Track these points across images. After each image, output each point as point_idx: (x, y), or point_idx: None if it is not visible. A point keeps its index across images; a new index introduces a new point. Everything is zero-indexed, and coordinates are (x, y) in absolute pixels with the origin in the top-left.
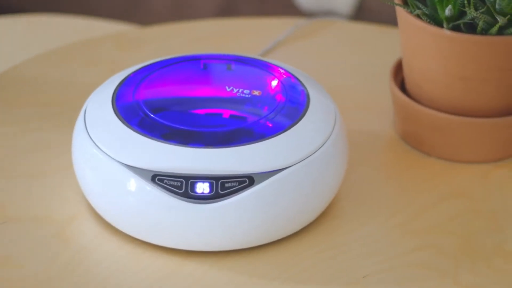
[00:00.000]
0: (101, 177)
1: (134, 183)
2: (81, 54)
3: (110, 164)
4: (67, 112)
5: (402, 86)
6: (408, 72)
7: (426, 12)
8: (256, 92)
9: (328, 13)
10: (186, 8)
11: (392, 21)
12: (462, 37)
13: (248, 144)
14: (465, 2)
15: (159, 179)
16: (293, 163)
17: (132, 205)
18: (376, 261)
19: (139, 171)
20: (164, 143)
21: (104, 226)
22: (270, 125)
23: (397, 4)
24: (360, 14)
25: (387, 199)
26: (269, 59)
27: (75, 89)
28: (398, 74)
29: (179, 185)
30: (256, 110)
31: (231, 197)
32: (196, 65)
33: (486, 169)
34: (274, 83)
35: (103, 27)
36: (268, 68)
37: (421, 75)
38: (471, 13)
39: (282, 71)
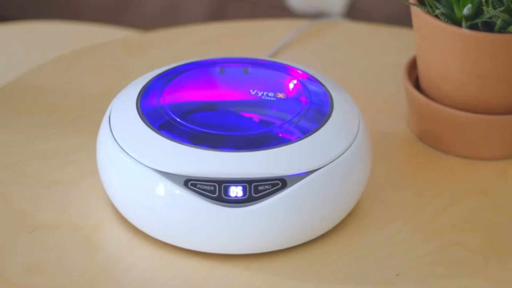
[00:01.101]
0: (132, 184)
1: (167, 188)
2: (88, 60)
3: (141, 171)
4: (79, 118)
5: (415, 84)
6: (424, 71)
7: (444, 11)
8: (280, 95)
9: (320, 14)
10: (177, 12)
11: (383, 20)
12: (482, 36)
13: (279, 146)
14: (483, 0)
15: (192, 183)
16: (324, 164)
17: (165, 211)
18: (406, 260)
19: (171, 177)
20: (195, 147)
21: (133, 232)
22: (299, 127)
23: (413, 4)
24: (351, 14)
25: (409, 198)
26: (285, 61)
27: (85, 95)
28: (411, 73)
29: (213, 189)
30: (283, 113)
31: (265, 200)
32: (217, 69)
33: (505, 165)
34: (297, 85)
35: (101, 32)
36: (287, 70)
37: (438, 73)
38: (489, 11)
39: (300, 72)
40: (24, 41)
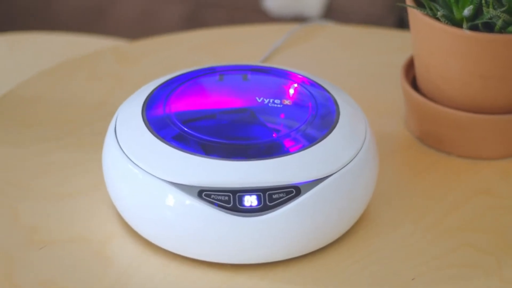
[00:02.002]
0: (143, 197)
1: (181, 200)
2: (81, 70)
3: (152, 183)
4: (79, 129)
5: (412, 85)
6: (423, 72)
7: (444, 13)
8: (286, 102)
9: (297, 16)
10: (152, 17)
11: (361, 21)
12: (482, 37)
13: (291, 154)
14: (483, 1)
15: (206, 194)
16: (337, 170)
17: (179, 223)
18: (420, 263)
19: (185, 188)
20: (207, 157)
21: (144, 244)
22: (309, 133)
23: (412, 6)
24: (329, 15)
25: (415, 200)
26: (284, 66)
27: (82, 106)
28: (407, 74)
29: (227, 199)
30: (291, 119)
31: (279, 208)
32: (221, 77)
33: (507, 164)
34: (301, 90)
35: (82, 41)
36: (289, 76)
37: (439, 74)
38: (489, 12)
39: (301, 77)
40: (9, 54)
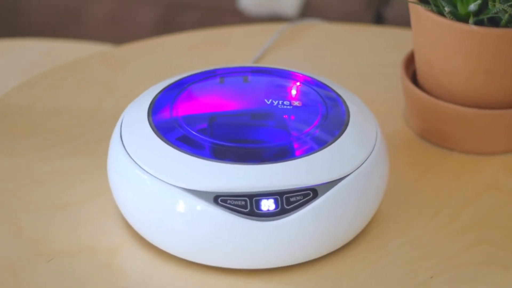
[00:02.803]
0: (155, 204)
1: (197, 207)
2: (70, 77)
3: (166, 190)
4: (75, 137)
5: (411, 82)
6: (425, 68)
7: (450, 9)
8: (296, 103)
9: (273, 15)
10: (125, 20)
11: (337, 18)
12: (488, 32)
13: (306, 156)
14: None
15: (222, 200)
16: (352, 170)
17: (194, 230)
18: (437, 262)
19: (200, 194)
20: (221, 162)
21: (154, 253)
22: (322, 134)
23: (415, 2)
24: (307, 13)
25: (424, 199)
26: (285, 67)
27: (75, 113)
28: (407, 71)
29: (244, 204)
30: (303, 121)
31: (297, 211)
32: (224, 79)
33: (511, 159)
34: (309, 91)
35: (64, 47)
36: (292, 76)
37: (442, 70)
38: (496, 6)
39: (307, 78)
40: None
